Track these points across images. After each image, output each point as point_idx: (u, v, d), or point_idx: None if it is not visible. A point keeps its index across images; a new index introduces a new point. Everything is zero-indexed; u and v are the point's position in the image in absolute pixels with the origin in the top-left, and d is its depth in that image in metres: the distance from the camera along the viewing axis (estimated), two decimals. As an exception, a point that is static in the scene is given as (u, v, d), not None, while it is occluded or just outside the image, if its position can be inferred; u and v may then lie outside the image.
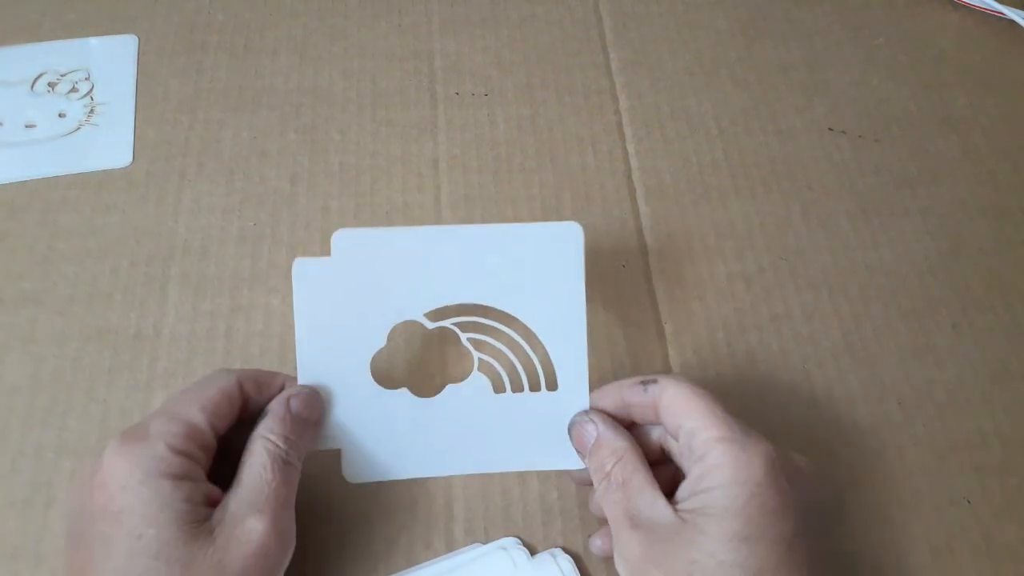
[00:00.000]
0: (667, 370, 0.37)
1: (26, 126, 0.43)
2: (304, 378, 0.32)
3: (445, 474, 0.33)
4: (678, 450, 0.30)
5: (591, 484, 0.31)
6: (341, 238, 0.32)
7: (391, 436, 0.32)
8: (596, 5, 0.49)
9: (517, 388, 0.33)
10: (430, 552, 0.33)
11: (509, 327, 0.33)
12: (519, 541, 0.33)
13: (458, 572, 0.32)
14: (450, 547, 0.33)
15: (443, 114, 0.45)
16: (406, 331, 0.33)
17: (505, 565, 0.32)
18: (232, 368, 0.31)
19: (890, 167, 0.44)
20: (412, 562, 0.32)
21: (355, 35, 0.47)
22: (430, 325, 0.33)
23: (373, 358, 0.32)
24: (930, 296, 0.40)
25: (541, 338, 0.32)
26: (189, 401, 0.28)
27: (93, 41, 0.46)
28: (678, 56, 0.47)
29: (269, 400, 0.31)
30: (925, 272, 0.40)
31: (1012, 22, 0.49)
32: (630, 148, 0.44)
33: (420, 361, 0.36)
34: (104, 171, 0.42)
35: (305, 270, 0.31)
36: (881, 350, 0.38)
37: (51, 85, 0.44)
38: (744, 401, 0.37)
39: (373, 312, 0.32)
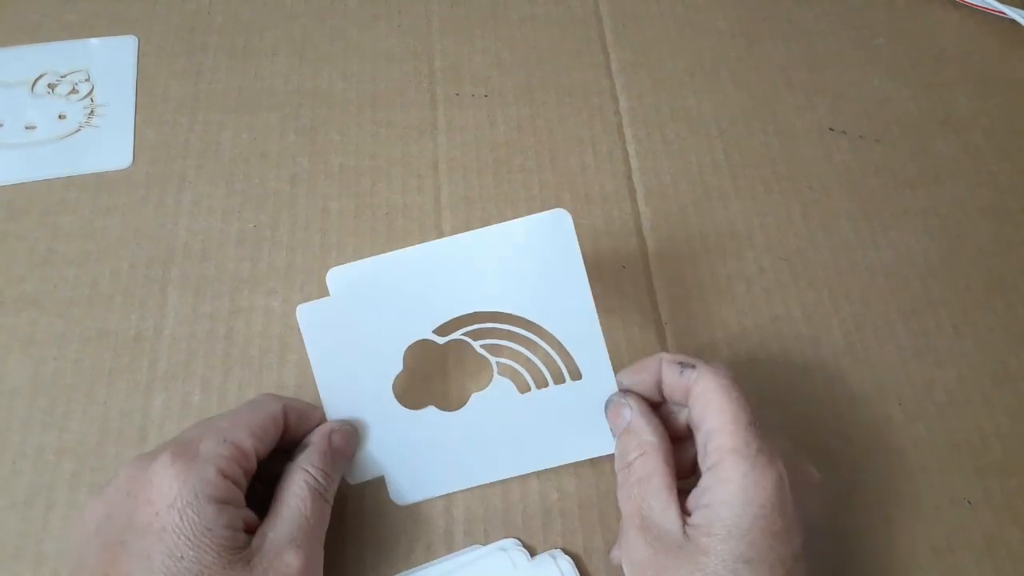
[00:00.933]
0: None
1: (26, 127, 0.43)
2: (332, 416, 0.32)
3: (487, 481, 0.33)
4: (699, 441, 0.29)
5: None
6: (336, 276, 0.31)
7: (428, 454, 0.33)
8: (596, 5, 0.49)
9: (541, 384, 0.33)
10: (429, 554, 0.33)
11: (520, 327, 0.33)
12: (519, 542, 0.33)
13: (458, 574, 0.32)
14: (450, 549, 0.33)
15: (443, 115, 0.45)
16: (420, 351, 0.33)
17: (505, 566, 0.32)
18: (279, 395, 0.32)
19: (890, 167, 0.44)
20: (412, 564, 0.32)
21: (354, 36, 0.47)
22: (441, 340, 0.33)
23: (394, 383, 0.32)
24: (930, 296, 0.40)
25: (553, 331, 0.32)
26: (239, 424, 0.29)
27: (93, 42, 0.46)
28: (678, 56, 0.47)
29: (306, 432, 0.31)
30: (925, 272, 0.40)
31: (1013, 22, 0.49)
32: (630, 149, 0.44)
33: (440, 377, 0.36)
34: (104, 173, 0.42)
35: (310, 316, 0.32)
36: (881, 350, 0.38)
37: (51, 86, 0.44)
38: (744, 402, 0.37)
39: (384, 339, 0.32)
